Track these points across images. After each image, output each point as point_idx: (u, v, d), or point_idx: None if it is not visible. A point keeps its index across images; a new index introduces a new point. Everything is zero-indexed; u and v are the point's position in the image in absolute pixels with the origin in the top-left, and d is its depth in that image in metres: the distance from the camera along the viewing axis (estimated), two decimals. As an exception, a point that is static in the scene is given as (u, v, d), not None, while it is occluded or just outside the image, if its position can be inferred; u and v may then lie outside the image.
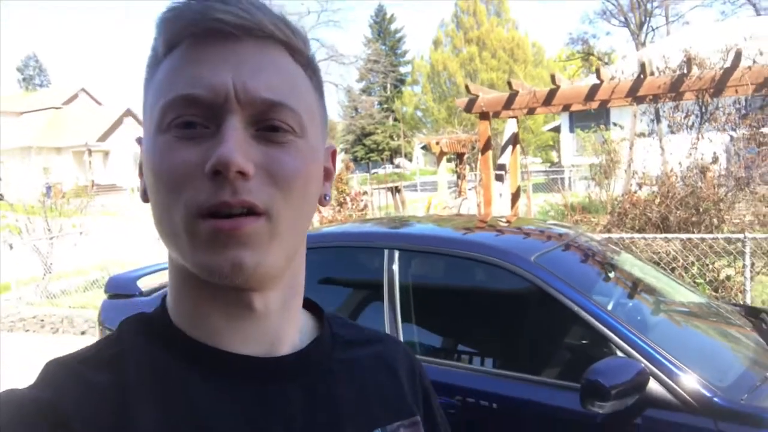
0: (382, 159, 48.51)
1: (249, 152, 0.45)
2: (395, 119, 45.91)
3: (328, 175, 0.57)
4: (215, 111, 0.45)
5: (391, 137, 47.98)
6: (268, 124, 0.47)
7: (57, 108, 33.02)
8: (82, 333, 6.21)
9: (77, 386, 0.45)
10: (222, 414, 0.47)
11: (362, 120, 48.13)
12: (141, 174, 0.52)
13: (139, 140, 0.54)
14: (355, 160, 48.24)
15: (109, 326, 2.87)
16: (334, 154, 0.59)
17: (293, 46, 0.50)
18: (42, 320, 6.67)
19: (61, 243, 8.27)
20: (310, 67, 0.52)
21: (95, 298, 6.75)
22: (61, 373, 0.47)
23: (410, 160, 45.85)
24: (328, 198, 0.56)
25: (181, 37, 0.47)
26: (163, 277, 3.23)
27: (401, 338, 2.24)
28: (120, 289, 2.99)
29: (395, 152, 48.00)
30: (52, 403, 0.43)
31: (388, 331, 2.27)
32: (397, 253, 2.35)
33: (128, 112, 32.44)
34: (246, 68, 0.46)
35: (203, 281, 0.47)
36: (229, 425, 0.47)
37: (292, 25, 0.50)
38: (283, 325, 0.53)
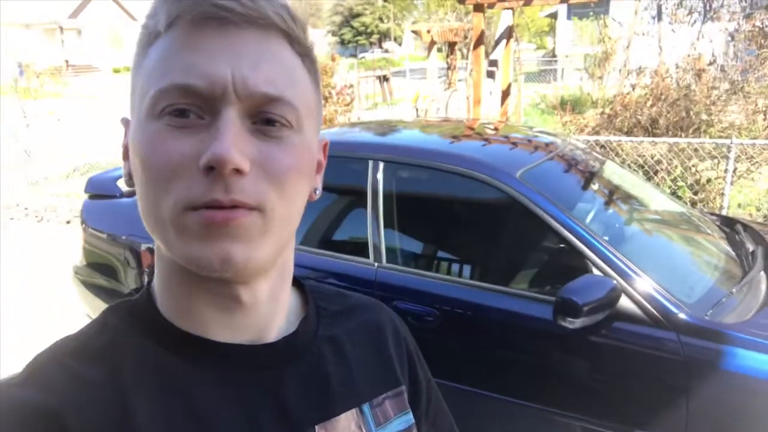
0: (371, 43, 46.54)
1: (244, 147, 0.44)
2: (385, 0, 43.43)
3: (319, 167, 0.55)
4: (212, 102, 0.44)
5: (380, 19, 45.68)
6: (265, 118, 0.46)
7: (21, -22, 30.58)
8: (67, 222, 6.24)
9: (71, 384, 0.45)
10: (216, 403, 0.48)
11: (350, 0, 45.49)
12: (126, 157, 0.50)
13: (125, 121, 0.51)
14: (342, 43, 46.28)
15: (92, 226, 2.88)
16: (325, 147, 0.57)
17: (294, 36, 0.48)
18: (26, 208, 6.66)
19: (37, 129, 8.05)
20: (308, 57, 0.51)
21: (78, 186, 6.72)
22: (52, 370, 0.46)
23: (400, 44, 44.07)
24: (318, 192, 0.55)
25: (179, 20, 0.45)
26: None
27: (383, 245, 2.27)
28: (100, 189, 2.96)
29: (384, 36, 45.96)
30: (48, 406, 0.43)
31: (369, 237, 2.30)
32: (381, 165, 2.32)
33: (99, -14, 30.25)
34: (246, 60, 0.44)
35: (190, 273, 0.47)
36: (224, 414, 0.48)
37: (293, 13, 0.47)
38: (271, 314, 0.53)
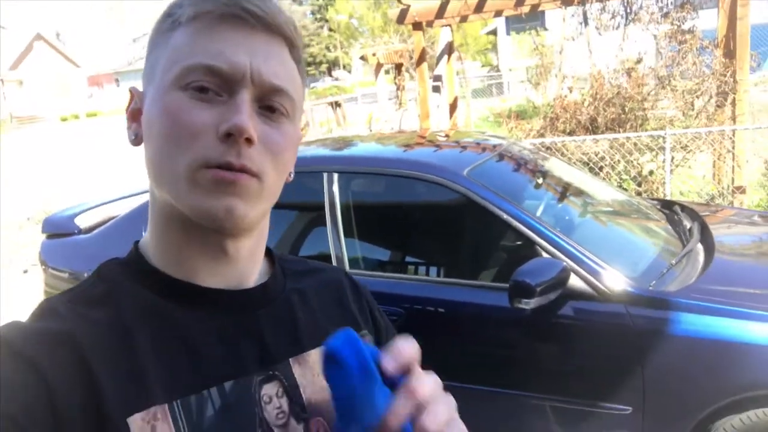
0: (321, 72, 47.03)
1: (254, 124, 0.53)
2: (330, 29, 44.07)
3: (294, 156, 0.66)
4: (231, 84, 0.53)
5: (327, 49, 46.28)
6: (269, 105, 0.55)
7: (-45, 33, 29.86)
8: (24, 272, 6.08)
9: (79, 320, 0.51)
10: (204, 337, 0.55)
11: (296, 31, 45.97)
12: (135, 119, 0.59)
13: (135, 90, 0.61)
14: (291, 74, 46.50)
15: (53, 266, 2.85)
16: (298, 141, 0.67)
17: (294, 43, 0.58)
18: (-19, 262, 6.45)
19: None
20: (301, 63, 0.61)
21: (33, 235, 6.56)
22: (60, 309, 0.52)
23: (349, 71, 44.61)
24: (292, 175, 0.64)
25: (207, 14, 0.54)
26: (100, 215, 3.18)
27: (345, 255, 2.34)
28: (58, 228, 2.94)
29: (333, 64, 46.51)
30: (62, 331, 0.49)
31: (332, 249, 2.37)
32: (336, 176, 2.41)
33: (39, 37, 29.74)
34: (260, 54, 0.54)
35: (187, 225, 0.55)
36: (211, 346, 0.55)
37: (297, 26, 0.59)
38: (249, 267, 0.62)
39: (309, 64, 46.88)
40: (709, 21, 5.22)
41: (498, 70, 22.23)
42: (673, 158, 4.70)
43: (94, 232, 2.79)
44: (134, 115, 0.60)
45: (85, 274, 2.80)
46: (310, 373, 0.60)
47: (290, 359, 0.60)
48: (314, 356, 0.61)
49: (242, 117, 0.52)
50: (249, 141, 0.52)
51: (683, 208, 2.87)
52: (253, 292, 0.61)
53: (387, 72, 14.61)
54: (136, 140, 0.59)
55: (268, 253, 0.69)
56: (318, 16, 47.69)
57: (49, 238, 2.93)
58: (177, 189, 0.54)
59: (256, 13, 0.54)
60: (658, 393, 1.91)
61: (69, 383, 0.47)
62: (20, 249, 6.46)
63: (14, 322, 0.51)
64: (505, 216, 2.13)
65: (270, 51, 0.56)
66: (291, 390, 0.58)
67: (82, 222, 2.95)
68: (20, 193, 8.40)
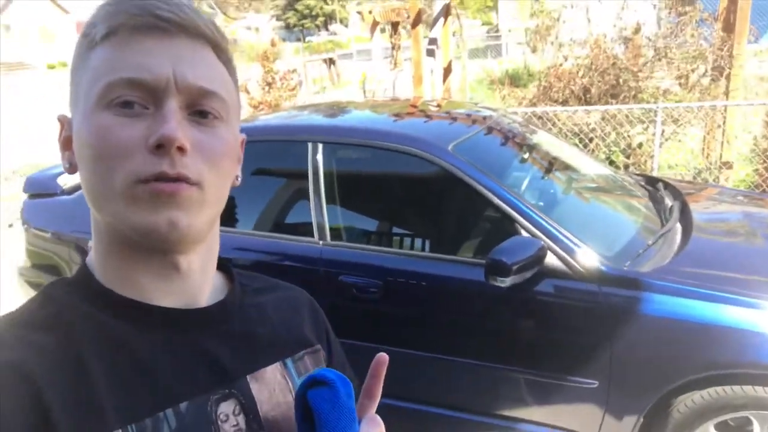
0: (317, 26, 45.96)
1: (185, 132, 0.52)
2: (328, -19, 42.86)
3: (238, 159, 0.64)
4: (156, 94, 0.52)
5: (324, 1, 45.09)
6: (200, 110, 0.54)
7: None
8: (10, 226, 6.05)
9: (26, 347, 0.49)
10: (158, 356, 0.55)
11: (292, -18, 44.70)
12: (67, 148, 0.58)
13: (63, 118, 0.59)
14: (287, 27, 45.56)
15: (35, 226, 2.85)
16: (243, 142, 0.65)
17: (219, 46, 0.57)
18: (-34, 214, 6.41)
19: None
20: (230, 64, 0.60)
21: (19, 188, 6.51)
22: (5, 337, 0.50)
23: (346, 26, 43.63)
24: (239, 179, 0.63)
25: (121, 28, 0.53)
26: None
27: (327, 224, 2.35)
28: (40, 188, 2.91)
29: (330, 18, 45.42)
30: (13, 363, 0.47)
31: (313, 217, 2.37)
32: (320, 146, 2.39)
33: (25, -22, 28.76)
34: (184, 60, 0.53)
35: (132, 246, 0.54)
36: (165, 364, 0.54)
37: (218, 27, 0.57)
38: (201, 283, 0.61)
39: (305, 17, 45.76)
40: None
41: (497, 30, 21.81)
42: (663, 131, 4.69)
43: (77, 193, 2.77)
44: (66, 143, 0.58)
45: (68, 235, 2.79)
46: (267, 389, 0.60)
47: (248, 376, 0.60)
48: (271, 373, 0.62)
49: (170, 125, 0.51)
50: (181, 150, 0.51)
51: (666, 185, 2.88)
52: (209, 311, 0.61)
53: (383, 30, 14.30)
54: (71, 168, 0.58)
55: (227, 269, 0.69)
56: (315, -34, 46.19)
57: (31, 198, 2.91)
58: (116, 209, 0.53)
59: (173, 19, 0.53)
60: (624, 369, 1.97)
61: (20, 416, 0.45)
62: (6, 202, 6.42)
63: None
64: (486, 192, 2.13)
65: (194, 55, 0.54)
66: (248, 407, 0.58)
67: (65, 182, 2.93)
68: (7, 144, 8.27)
